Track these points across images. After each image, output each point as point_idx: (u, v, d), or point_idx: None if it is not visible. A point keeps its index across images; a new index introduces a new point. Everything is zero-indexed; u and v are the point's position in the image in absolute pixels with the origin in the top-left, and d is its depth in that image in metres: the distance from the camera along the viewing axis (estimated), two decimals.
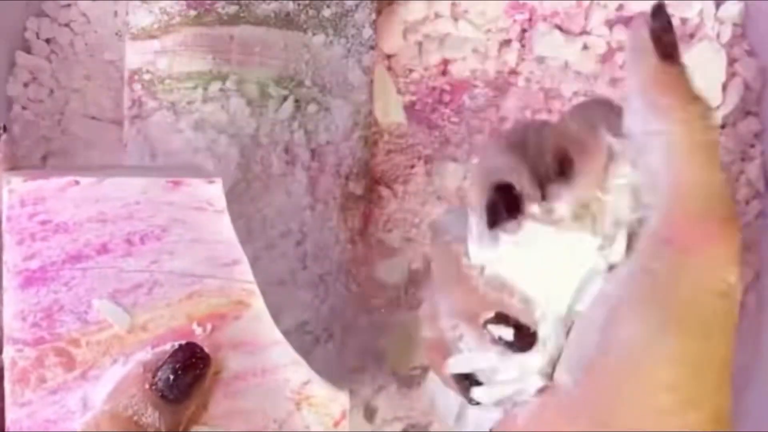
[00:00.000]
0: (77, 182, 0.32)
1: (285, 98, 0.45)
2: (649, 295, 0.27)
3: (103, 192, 0.33)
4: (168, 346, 0.32)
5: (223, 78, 0.45)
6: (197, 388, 0.32)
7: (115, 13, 0.49)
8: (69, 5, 0.48)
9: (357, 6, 0.46)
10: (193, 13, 0.45)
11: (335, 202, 0.46)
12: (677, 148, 0.27)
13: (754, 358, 0.49)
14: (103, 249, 0.33)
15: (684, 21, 0.49)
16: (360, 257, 0.47)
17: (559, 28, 0.49)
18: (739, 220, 0.27)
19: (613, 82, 0.49)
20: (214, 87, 0.45)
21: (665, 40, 0.28)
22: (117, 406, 0.31)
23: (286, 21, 0.45)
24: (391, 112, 0.49)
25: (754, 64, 0.48)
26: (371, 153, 0.48)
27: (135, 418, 0.31)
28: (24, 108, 0.48)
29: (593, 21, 0.49)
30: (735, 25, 0.49)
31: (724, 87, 0.49)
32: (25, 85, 0.48)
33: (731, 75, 0.49)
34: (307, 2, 0.45)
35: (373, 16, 0.46)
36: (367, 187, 0.47)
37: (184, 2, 0.45)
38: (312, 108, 0.46)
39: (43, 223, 0.32)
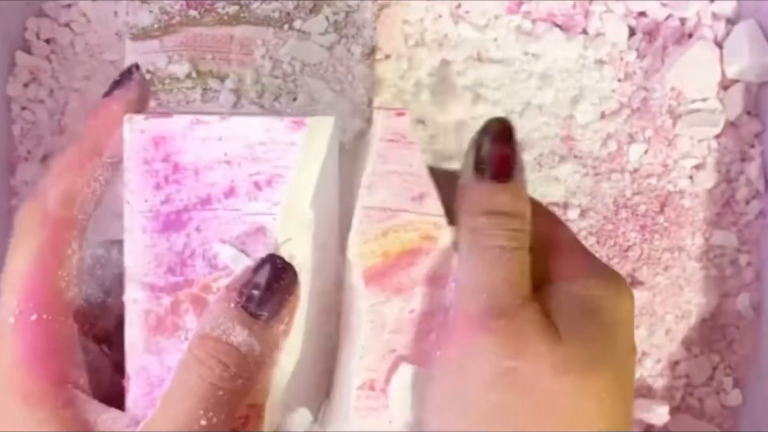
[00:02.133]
0: (201, 122, 0.31)
1: (285, 98, 0.45)
2: (448, 391, 0.29)
3: (226, 132, 0.31)
4: (250, 261, 0.30)
5: (223, 78, 0.45)
6: (286, 303, 0.30)
7: (116, 13, 0.49)
8: (69, 5, 0.48)
9: (357, 6, 0.46)
10: (193, 13, 0.45)
11: None
12: (465, 255, 0.30)
13: (754, 358, 0.49)
14: (231, 191, 0.31)
15: (683, 21, 0.49)
16: None
17: (559, 27, 0.49)
18: (519, 315, 0.29)
19: (618, 79, 0.49)
20: (214, 86, 0.45)
21: (479, 155, 0.31)
22: (204, 327, 0.30)
23: (286, 21, 0.45)
24: None
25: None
26: None
27: (224, 337, 0.29)
28: (24, 108, 0.48)
29: (593, 21, 0.49)
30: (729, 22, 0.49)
31: (723, 87, 0.49)
32: (25, 85, 0.48)
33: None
34: (307, 2, 0.45)
35: (373, 16, 0.46)
36: None
37: (184, 2, 0.45)
38: (312, 108, 0.46)
39: (173, 163, 0.31)
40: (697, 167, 0.49)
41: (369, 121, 0.46)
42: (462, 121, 0.49)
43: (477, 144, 0.32)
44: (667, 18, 0.49)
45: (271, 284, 0.30)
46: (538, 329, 0.28)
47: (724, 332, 0.49)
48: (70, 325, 0.32)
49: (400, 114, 0.31)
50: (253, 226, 0.31)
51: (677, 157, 0.49)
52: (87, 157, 0.32)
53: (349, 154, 0.36)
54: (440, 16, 0.49)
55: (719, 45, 0.49)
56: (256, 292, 0.30)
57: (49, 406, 0.30)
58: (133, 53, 0.45)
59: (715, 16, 0.49)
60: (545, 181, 0.48)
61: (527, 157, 0.48)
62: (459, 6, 0.49)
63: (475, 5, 0.49)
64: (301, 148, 0.31)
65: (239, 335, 0.29)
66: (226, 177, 0.31)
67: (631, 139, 0.49)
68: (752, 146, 0.49)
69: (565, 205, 0.49)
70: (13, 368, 0.30)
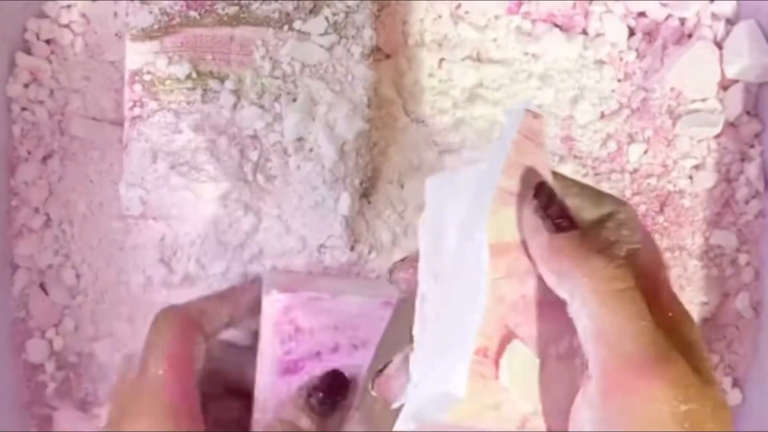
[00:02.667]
0: (318, 298, 0.43)
1: (285, 98, 0.45)
2: None
3: (335, 306, 0.43)
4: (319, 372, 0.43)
5: (223, 78, 0.45)
6: (339, 405, 0.43)
7: (115, 14, 0.49)
8: (69, 6, 0.48)
9: (357, 6, 0.46)
10: (193, 14, 0.45)
11: None
12: (590, 302, 0.29)
13: (754, 358, 0.49)
14: (335, 349, 0.44)
15: (682, 21, 0.49)
16: None
17: (559, 28, 0.49)
18: (674, 352, 0.28)
19: (618, 79, 0.49)
20: (214, 87, 0.45)
21: (551, 213, 0.30)
22: (280, 414, 0.43)
23: (286, 22, 0.45)
24: None
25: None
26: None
27: (296, 422, 0.42)
28: (24, 108, 0.48)
29: (593, 21, 0.49)
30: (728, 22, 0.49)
31: (723, 87, 0.49)
32: (26, 85, 0.48)
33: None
34: (307, 3, 0.45)
35: (373, 16, 0.46)
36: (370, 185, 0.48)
37: (184, 3, 0.45)
38: (312, 108, 0.45)
39: (295, 327, 0.43)
40: (697, 167, 0.49)
41: (369, 121, 0.46)
42: (462, 119, 0.49)
43: (541, 209, 0.31)
44: (666, 18, 0.49)
45: (330, 394, 0.43)
46: (697, 369, 0.29)
47: (724, 332, 0.49)
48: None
49: (536, 116, 0.32)
50: (349, 375, 0.44)
51: (677, 157, 0.49)
52: (227, 306, 0.44)
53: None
54: (440, 17, 0.49)
55: (719, 45, 0.49)
56: (318, 396, 0.43)
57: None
58: (133, 54, 0.45)
59: (714, 17, 0.49)
60: None
61: None
62: (459, 6, 0.49)
63: (475, 5, 0.49)
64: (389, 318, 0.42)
65: (305, 423, 0.42)
66: (333, 338, 0.44)
67: (631, 139, 0.49)
68: (752, 146, 0.49)
69: None
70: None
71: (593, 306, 0.29)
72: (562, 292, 0.29)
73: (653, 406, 0.28)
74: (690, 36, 0.49)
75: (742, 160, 0.49)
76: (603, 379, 0.29)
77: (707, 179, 0.49)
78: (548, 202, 0.30)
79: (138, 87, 0.45)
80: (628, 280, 0.29)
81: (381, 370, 0.34)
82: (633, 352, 0.28)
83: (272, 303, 0.43)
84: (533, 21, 0.49)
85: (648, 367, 0.28)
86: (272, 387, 0.43)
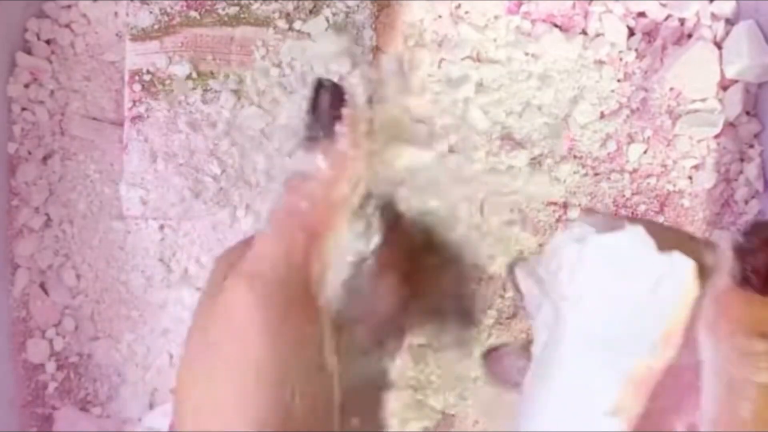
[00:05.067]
0: None
1: (285, 98, 0.45)
2: None
3: None
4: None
5: (223, 78, 0.45)
6: (338, 119, 0.33)
7: (116, 14, 0.49)
8: (69, 6, 0.48)
9: (357, 6, 0.46)
10: (193, 13, 0.45)
11: None
12: (722, 374, 0.25)
13: None
14: None
15: (682, 21, 0.49)
16: None
17: (559, 28, 0.49)
18: None
19: (617, 79, 0.49)
20: (214, 87, 0.45)
21: (751, 264, 0.25)
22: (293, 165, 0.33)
23: (286, 21, 0.45)
24: None
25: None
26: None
27: (304, 170, 0.33)
28: (24, 109, 0.48)
29: (593, 21, 0.49)
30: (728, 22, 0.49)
31: (722, 87, 0.49)
32: (26, 85, 0.48)
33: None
34: (307, 3, 0.45)
35: (373, 16, 0.46)
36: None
37: (184, 3, 0.45)
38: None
39: None
40: (697, 167, 0.49)
41: (369, 121, 0.46)
42: (462, 119, 0.49)
43: (738, 247, 0.26)
44: (666, 18, 0.50)
45: (318, 106, 0.32)
46: None
47: None
48: None
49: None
50: None
51: (676, 157, 0.49)
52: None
53: None
54: (440, 17, 0.49)
55: (718, 45, 0.49)
56: (309, 117, 0.32)
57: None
58: (133, 54, 0.45)
59: (714, 17, 0.49)
60: (545, 181, 0.48)
61: (527, 156, 0.48)
62: (459, 6, 0.49)
63: (475, 5, 0.49)
64: None
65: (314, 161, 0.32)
66: None
67: (631, 139, 0.49)
68: (751, 146, 0.49)
69: (565, 205, 0.49)
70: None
71: (730, 386, 0.25)
72: (701, 348, 0.26)
73: None
74: (689, 36, 0.49)
75: (742, 160, 0.49)
76: None
77: (707, 179, 0.49)
78: (752, 252, 0.25)
79: (138, 87, 0.45)
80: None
81: (496, 349, 0.32)
82: None
83: None
84: (533, 21, 0.49)
85: None
86: None
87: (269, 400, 0.28)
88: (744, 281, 0.25)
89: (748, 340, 0.24)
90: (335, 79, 0.34)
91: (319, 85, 0.32)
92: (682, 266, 0.27)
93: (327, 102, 0.32)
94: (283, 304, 0.30)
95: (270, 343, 0.29)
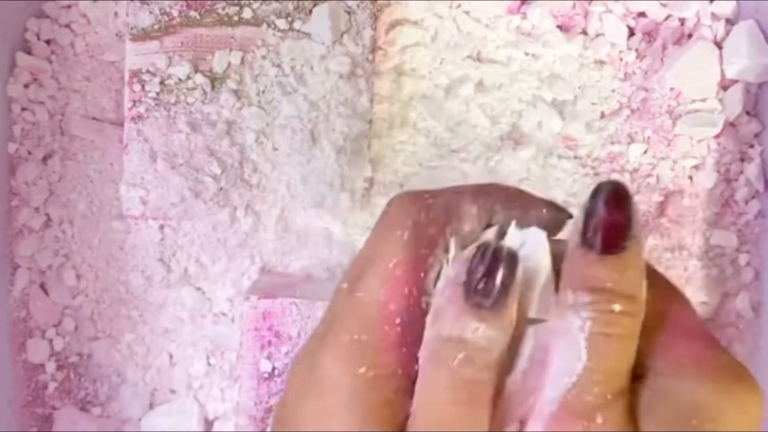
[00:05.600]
0: (296, 304, 0.44)
1: (285, 98, 0.45)
2: None
3: (313, 312, 0.44)
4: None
5: (223, 78, 0.45)
6: (511, 288, 0.27)
7: (116, 14, 0.49)
8: (69, 6, 0.48)
9: (357, 6, 0.46)
10: (193, 13, 0.45)
11: None
12: (559, 329, 0.27)
13: (754, 358, 0.49)
14: None
15: (682, 21, 0.49)
16: None
17: (559, 27, 0.49)
18: (600, 415, 0.26)
19: (618, 79, 0.49)
20: (215, 87, 0.45)
21: (588, 223, 0.27)
22: (441, 330, 0.27)
23: (286, 21, 0.45)
24: None
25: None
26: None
27: (462, 336, 0.27)
28: (24, 109, 0.48)
29: (593, 21, 0.49)
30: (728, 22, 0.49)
31: (722, 87, 0.49)
32: (26, 86, 0.48)
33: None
34: (307, 3, 0.45)
35: (373, 16, 0.46)
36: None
37: (184, 3, 0.45)
38: (312, 108, 0.46)
39: (275, 333, 0.44)
40: (697, 167, 0.49)
41: (369, 122, 0.46)
42: (462, 119, 0.49)
43: (587, 210, 0.27)
44: (666, 18, 0.50)
45: (494, 270, 0.27)
46: None
47: (724, 332, 0.49)
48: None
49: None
50: None
51: (676, 157, 0.49)
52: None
53: None
54: (440, 17, 0.49)
55: (719, 45, 0.49)
56: (481, 283, 0.27)
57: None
58: (133, 54, 0.45)
59: (714, 17, 0.49)
60: (545, 181, 0.48)
61: (527, 156, 0.48)
62: (459, 6, 0.49)
63: (475, 5, 0.49)
64: None
65: (474, 331, 0.27)
66: None
67: (631, 139, 0.49)
68: (751, 146, 0.49)
69: (565, 205, 0.48)
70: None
71: (563, 338, 0.26)
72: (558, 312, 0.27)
73: None
74: (690, 36, 0.49)
75: (742, 160, 0.49)
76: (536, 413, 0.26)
77: (707, 179, 0.49)
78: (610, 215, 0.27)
79: (138, 87, 0.45)
80: (612, 326, 0.26)
81: None
82: (564, 397, 0.26)
83: (251, 309, 0.44)
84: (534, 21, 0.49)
85: (562, 416, 0.26)
86: (254, 391, 0.44)
87: None
88: (584, 240, 0.27)
89: (574, 293, 0.26)
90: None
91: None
92: (536, 239, 0.28)
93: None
94: None
95: None
